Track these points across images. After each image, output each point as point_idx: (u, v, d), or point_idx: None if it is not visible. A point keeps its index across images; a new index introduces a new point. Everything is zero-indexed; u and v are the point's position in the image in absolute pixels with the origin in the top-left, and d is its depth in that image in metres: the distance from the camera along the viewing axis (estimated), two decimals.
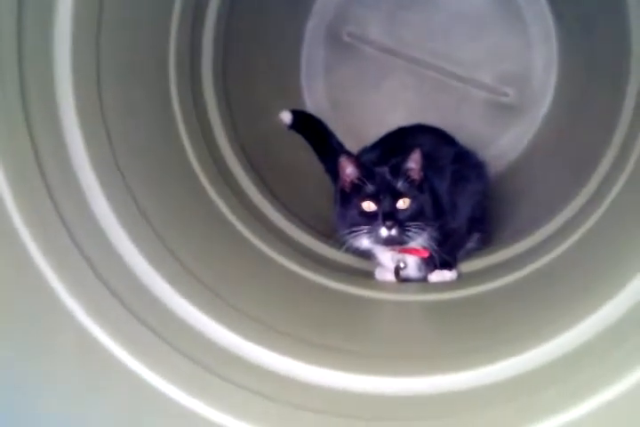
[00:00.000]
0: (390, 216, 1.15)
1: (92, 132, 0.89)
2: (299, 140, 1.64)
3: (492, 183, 1.46)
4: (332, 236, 1.38)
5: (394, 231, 1.15)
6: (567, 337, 0.79)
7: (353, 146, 1.62)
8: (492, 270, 1.25)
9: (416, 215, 1.17)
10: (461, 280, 1.25)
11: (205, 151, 1.30)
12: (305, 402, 0.77)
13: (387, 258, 1.26)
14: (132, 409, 0.72)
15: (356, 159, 1.22)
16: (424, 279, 1.27)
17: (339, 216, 1.25)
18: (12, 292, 0.72)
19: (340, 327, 1.03)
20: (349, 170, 1.20)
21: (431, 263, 1.25)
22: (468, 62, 1.75)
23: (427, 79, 1.78)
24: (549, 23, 1.67)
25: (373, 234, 1.17)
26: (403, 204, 1.17)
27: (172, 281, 0.89)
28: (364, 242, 1.20)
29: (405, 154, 1.19)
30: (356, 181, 1.19)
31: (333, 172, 1.44)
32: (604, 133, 1.26)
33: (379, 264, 1.30)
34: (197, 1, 1.29)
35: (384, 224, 1.15)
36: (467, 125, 1.73)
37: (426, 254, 1.23)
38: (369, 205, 1.17)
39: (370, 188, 1.17)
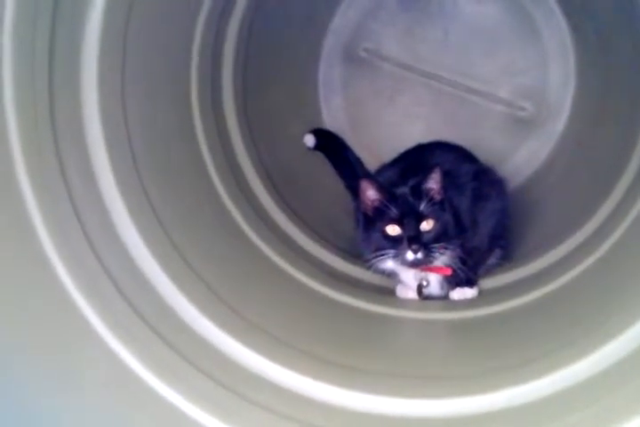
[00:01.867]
0: (415, 239, 1.15)
1: (119, 156, 0.90)
2: (318, 156, 1.65)
3: (510, 198, 1.46)
4: (352, 252, 1.40)
5: (420, 254, 1.15)
6: (592, 359, 0.78)
7: (371, 161, 1.63)
8: (514, 287, 1.24)
9: (440, 235, 1.18)
10: (483, 297, 1.25)
11: (227, 169, 1.32)
12: (327, 424, 0.77)
13: (409, 276, 1.26)
14: None
15: (377, 182, 1.22)
16: (445, 297, 1.27)
17: (363, 240, 1.25)
18: (42, 319, 0.72)
19: (361, 346, 1.02)
20: (370, 193, 1.20)
21: (453, 281, 1.25)
22: (484, 77, 1.75)
23: (443, 94, 1.78)
24: (566, 38, 1.67)
25: (399, 257, 1.17)
26: (427, 225, 1.17)
27: (198, 303, 0.90)
28: (389, 264, 1.21)
29: (425, 172, 1.19)
30: (379, 205, 1.19)
31: (353, 188, 1.45)
32: (624, 148, 1.25)
33: (400, 282, 1.30)
34: (218, 22, 1.31)
35: (410, 248, 1.15)
36: (484, 140, 1.72)
37: (449, 272, 1.23)
38: (393, 229, 1.17)
39: (393, 211, 1.17)
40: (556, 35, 1.68)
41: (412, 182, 1.21)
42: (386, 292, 1.32)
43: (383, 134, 1.80)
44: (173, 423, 0.73)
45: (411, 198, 1.19)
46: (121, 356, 0.74)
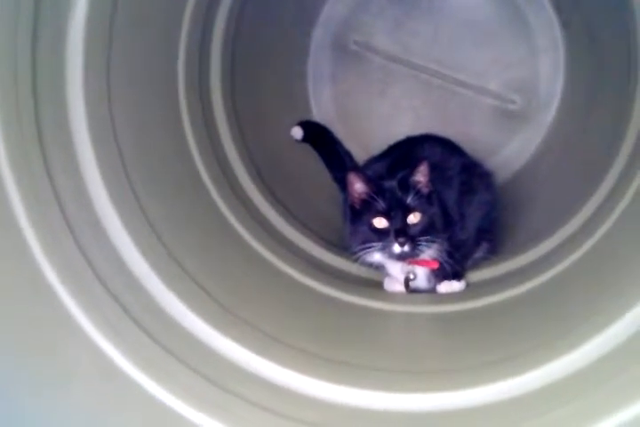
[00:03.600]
0: (402, 232, 1.16)
1: (105, 150, 0.90)
2: (307, 149, 1.65)
3: (498, 192, 1.46)
4: (340, 245, 1.40)
5: (406, 247, 1.16)
6: (580, 353, 0.78)
7: (360, 154, 1.64)
8: (502, 280, 1.25)
9: (427, 228, 1.18)
10: (470, 291, 1.26)
11: (215, 163, 1.31)
12: (315, 418, 0.77)
13: (396, 269, 1.26)
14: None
15: (365, 175, 1.23)
16: (433, 290, 1.28)
17: (350, 232, 1.25)
18: (29, 319, 0.72)
19: (349, 340, 1.03)
20: (358, 186, 1.20)
21: (440, 274, 1.26)
22: (474, 70, 1.75)
23: (433, 87, 1.78)
24: (556, 31, 1.68)
25: (386, 250, 1.18)
26: (413, 218, 1.17)
27: (186, 299, 0.89)
28: (377, 256, 1.21)
29: (413, 165, 1.20)
30: (366, 198, 1.19)
31: (341, 180, 1.46)
32: (613, 141, 1.26)
33: (387, 275, 1.30)
34: (206, 14, 1.30)
35: (397, 241, 1.15)
36: (473, 133, 1.74)
37: (435, 266, 1.24)
38: (380, 222, 1.17)
39: (380, 204, 1.17)
40: (546, 28, 1.68)
41: (399, 175, 1.22)
42: (373, 285, 1.32)
43: (373, 127, 1.81)
44: (162, 420, 0.73)
45: (398, 191, 1.19)
46: (109, 353, 0.74)
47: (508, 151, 1.75)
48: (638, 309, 0.78)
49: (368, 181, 1.20)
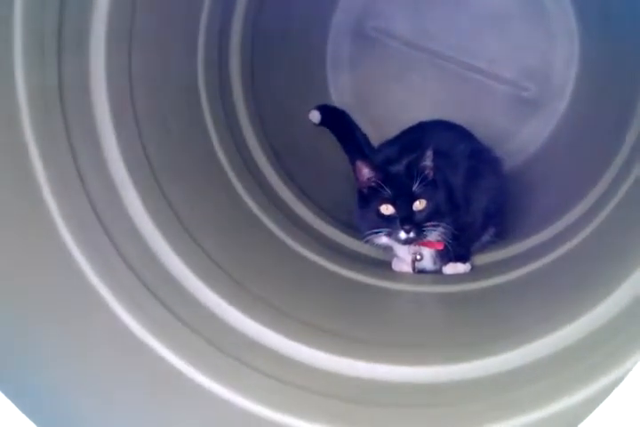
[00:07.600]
0: (408, 219, 1.18)
1: (127, 138, 0.95)
2: (324, 132, 1.69)
3: (509, 177, 1.49)
4: (352, 226, 1.43)
5: (412, 234, 1.19)
6: (572, 329, 0.82)
7: (376, 138, 1.66)
8: (506, 263, 1.28)
9: (432, 214, 1.21)
10: (475, 273, 1.29)
11: (232, 144, 1.35)
12: (319, 387, 0.82)
13: (404, 250, 1.29)
14: (161, 398, 0.76)
15: (372, 162, 1.25)
16: (439, 271, 1.31)
17: (358, 217, 1.29)
18: (57, 293, 0.77)
19: (358, 317, 1.07)
20: (365, 173, 1.22)
21: (446, 256, 1.29)
22: (490, 56, 1.76)
23: (449, 73, 1.80)
24: (571, 19, 1.68)
25: (393, 235, 1.21)
26: (419, 205, 1.20)
27: (200, 272, 0.95)
28: (384, 240, 1.25)
29: (419, 152, 1.22)
30: (373, 184, 1.22)
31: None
32: (621, 128, 1.27)
33: (395, 255, 1.34)
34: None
35: (402, 228, 1.18)
36: (487, 119, 1.75)
37: (441, 247, 1.27)
38: (387, 209, 1.20)
39: (387, 192, 1.20)
40: (562, 16, 1.69)
41: (405, 162, 1.24)
42: (383, 265, 1.36)
43: (389, 112, 1.82)
44: (173, 384, 0.78)
45: (404, 178, 1.21)
46: (122, 318, 0.79)
47: (521, 137, 1.77)
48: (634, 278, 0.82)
49: (375, 168, 1.22)
